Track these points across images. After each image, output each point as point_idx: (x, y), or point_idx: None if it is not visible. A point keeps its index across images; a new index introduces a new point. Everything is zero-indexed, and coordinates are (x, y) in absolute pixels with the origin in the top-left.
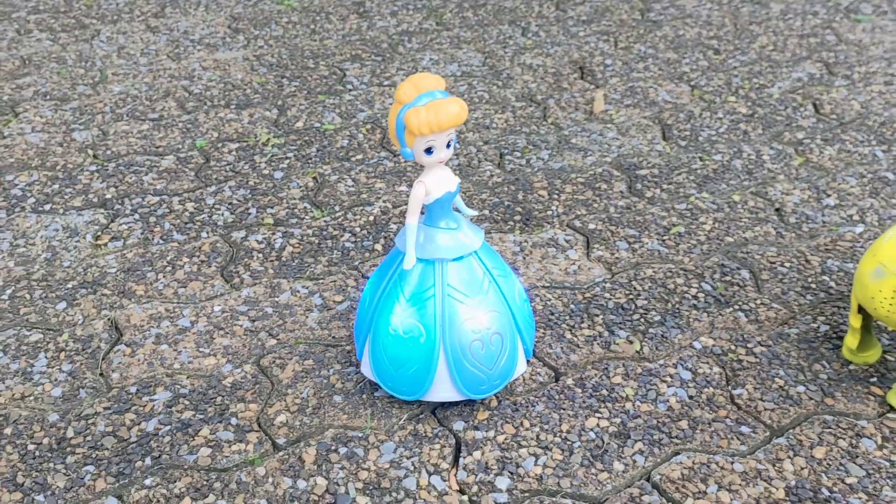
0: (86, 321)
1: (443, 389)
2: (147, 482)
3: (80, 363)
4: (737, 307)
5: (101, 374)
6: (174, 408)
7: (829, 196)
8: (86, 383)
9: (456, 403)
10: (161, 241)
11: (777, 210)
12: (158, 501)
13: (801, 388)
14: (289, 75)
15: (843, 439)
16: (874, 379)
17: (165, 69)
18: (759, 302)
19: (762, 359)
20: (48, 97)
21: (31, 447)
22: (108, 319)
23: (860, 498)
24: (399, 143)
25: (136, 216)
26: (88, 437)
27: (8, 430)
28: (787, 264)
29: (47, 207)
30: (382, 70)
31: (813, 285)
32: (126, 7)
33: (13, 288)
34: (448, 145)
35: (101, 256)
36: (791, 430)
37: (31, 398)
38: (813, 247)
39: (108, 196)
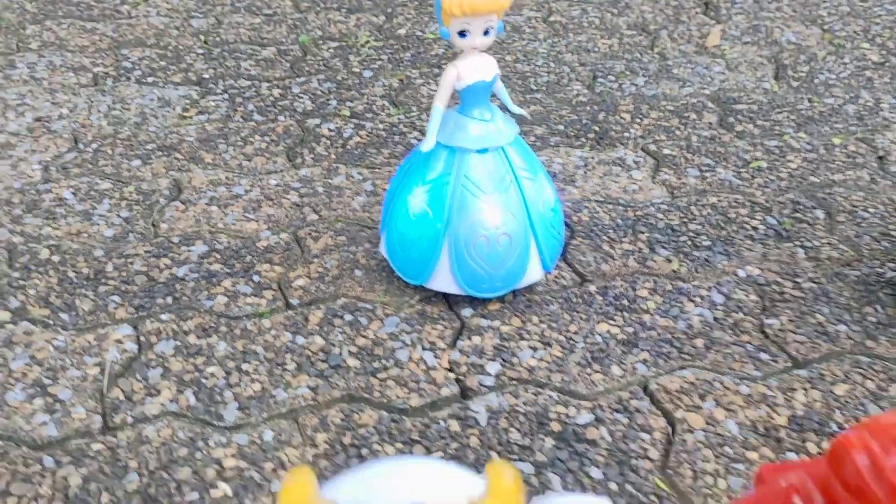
0: (153, 178)
1: (444, 280)
2: (163, 317)
3: (138, 212)
4: (798, 243)
5: (152, 224)
6: (206, 259)
7: None
8: (136, 229)
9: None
10: (241, 119)
11: (880, 158)
12: (167, 334)
13: (842, 328)
14: None
15: (873, 381)
16: None
17: None
18: (825, 241)
19: (808, 294)
20: None
21: (70, 274)
22: (173, 179)
23: None
24: (438, 21)
25: (226, 95)
26: (123, 273)
27: (55, 258)
28: (872, 209)
29: (149, 80)
30: None
31: (894, 233)
32: None
33: (99, 143)
34: (486, 32)
35: (184, 126)
36: (816, 365)
37: (86, 235)
38: None
39: (206, 76)
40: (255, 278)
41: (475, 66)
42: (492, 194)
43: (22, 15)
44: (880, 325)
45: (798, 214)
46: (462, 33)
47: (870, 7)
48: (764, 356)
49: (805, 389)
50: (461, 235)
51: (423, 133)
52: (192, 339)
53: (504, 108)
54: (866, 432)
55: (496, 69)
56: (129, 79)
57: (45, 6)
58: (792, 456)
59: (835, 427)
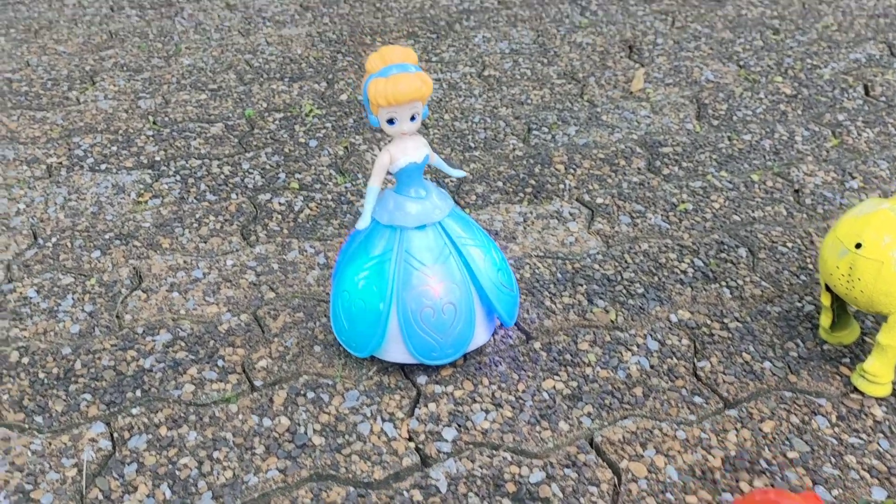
0: (114, 269)
1: (397, 351)
2: (133, 411)
3: (101, 305)
4: (723, 283)
5: (116, 316)
6: (171, 348)
7: (854, 178)
8: (101, 323)
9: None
10: (195, 201)
11: (796, 191)
12: (139, 428)
13: (767, 365)
14: (344, 51)
15: (797, 415)
16: (847, 360)
17: (234, 44)
18: (748, 279)
19: (735, 334)
20: (125, 68)
21: (41, 375)
22: (133, 268)
23: (797, 472)
24: (366, 111)
25: (178, 177)
26: (91, 370)
27: (25, 360)
28: (790, 244)
29: (103, 167)
30: (434, 47)
31: (810, 266)
32: None
33: (58, 237)
34: (413, 118)
35: (139, 212)
36: (745, 404)
37: (52, 333)
38: (822, 228)
39: (157, 158)
40: (220, 363)
41: (406, 150)
42: (433, 266)
43: None
44: (801, 360)
45: (723, 255)
46: (390, 121)
47: (782, 40)
48: (697, 399)
49: (736, 430)
50: (408, 308)
51: None
52: (163, 431)
53: (441, 179)
54: None
55: (427, 149)
56: (82, 167)
57: None
58: (727, 497)
59: (764, 464)
